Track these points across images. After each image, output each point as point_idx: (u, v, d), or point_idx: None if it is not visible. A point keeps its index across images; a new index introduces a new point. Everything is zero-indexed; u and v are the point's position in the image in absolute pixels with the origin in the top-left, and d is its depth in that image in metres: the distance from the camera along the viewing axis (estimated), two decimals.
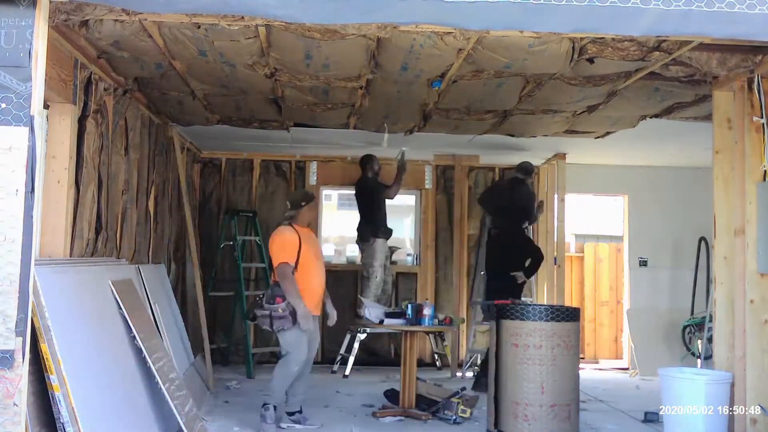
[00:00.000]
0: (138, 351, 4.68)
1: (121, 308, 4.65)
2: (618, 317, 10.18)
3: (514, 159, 8.34)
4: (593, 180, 9.49)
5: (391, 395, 6.34)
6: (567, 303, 8.98)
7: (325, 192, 9.82)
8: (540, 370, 4.99)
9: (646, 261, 9.43)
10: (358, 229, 8.20)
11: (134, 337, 4.67)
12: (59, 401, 3.55)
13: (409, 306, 6.08)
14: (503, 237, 7.68)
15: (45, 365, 3.57)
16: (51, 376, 3.57)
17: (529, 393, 4.99)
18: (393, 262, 8.77)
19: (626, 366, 9.45)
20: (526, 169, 7.85)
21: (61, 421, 3.56)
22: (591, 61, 4.64)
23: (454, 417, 5.82)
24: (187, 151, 8.17)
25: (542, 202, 8.32)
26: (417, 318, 6.02)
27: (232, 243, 8.31)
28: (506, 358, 5.14)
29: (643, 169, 9.39)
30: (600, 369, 9.56)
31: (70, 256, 4.58)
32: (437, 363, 8.68)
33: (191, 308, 8.11)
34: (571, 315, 5.20)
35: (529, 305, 5.48)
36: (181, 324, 6.91)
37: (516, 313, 5.13)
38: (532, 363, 5.00)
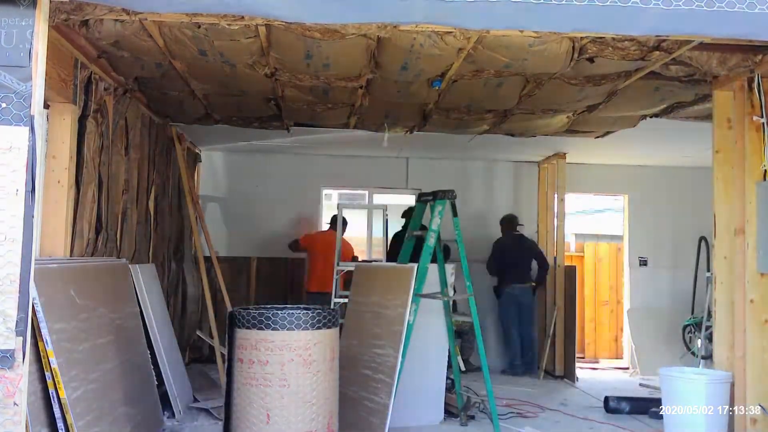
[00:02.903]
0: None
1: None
2: (618, 317, 10.18)
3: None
4: (593, 180, 9.50)
5: None
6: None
7: (325, 192, 9.84)
8: (265, 393, 3.94)
9: (646, 261, 9.44)
10: None
11: (129, 330, 4.66)
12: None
13: None
14: None
15: (45, 364, 3.58)
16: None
17: (252, 422, 3.95)
18: None
19: (626, 366, 9.45)
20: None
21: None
22: (591, 60, 4.64)
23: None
24: (187, 150, 8.17)
25: None
26: None
27: None
28: (235, 376, 4.15)
29: (643, 169, 9.40)
30: (600, 369, 9.56)
31: (71, 256, 4.58)
32: None
33: (191, 307, 8.10)
34: (314, 320, 4.05)
35: (253, 309, 4.22)
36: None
37: (242, 319, 4.08)
38: (256, 384, 3.96)
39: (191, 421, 5.65)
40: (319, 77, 5.20)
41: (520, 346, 8.57)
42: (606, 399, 6.55)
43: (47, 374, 3.61)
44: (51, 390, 3.60)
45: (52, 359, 3.61)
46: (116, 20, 4.08)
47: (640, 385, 8.05)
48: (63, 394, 3.62)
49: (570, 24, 3.26)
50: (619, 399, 6.51)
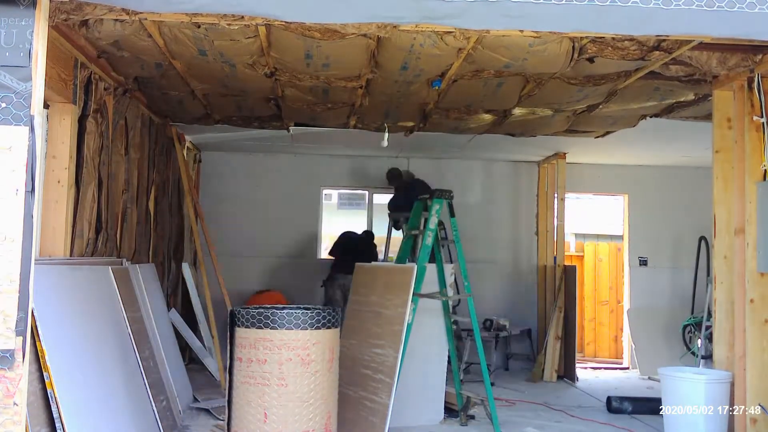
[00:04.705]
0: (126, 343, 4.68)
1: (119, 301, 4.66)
2: (618, 317, 10.18)
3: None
4: (593, 179, 9.50)
5: None
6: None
7: (325, 192, 9.84)
8: (263, 392, 3.93)
9: (646, 261, 9.44)
10: None
11: (129, 330, 4.67)
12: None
13: None
14: None
15: (44, 365, 3.57)
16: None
17: (250, 421, 3.93)
18: None
19: (626, 365, 9.45)
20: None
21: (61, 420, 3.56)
22: (591, 60, 4.64)
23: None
24: (187, 150, 8.17)
25: None
26: None
27: None
28: (235, 375, 4.12)
29: (643, 169, 9.40)
30: (600, 368, 9.54)
31: (71, 256, 4.58)
32: None
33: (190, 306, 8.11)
34: (314, 320, 4.02)
35: (253, 308, 4.16)
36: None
37: (242, 318, 4.07)
38: (254, 382, 3.96)
39: (191, 421, 5.65)
40: (319, 77, 5.20)
41: None
42: (608, 399, 6.55)
43: (45, 375, 3.60)
44: (49, 390, 3.60)
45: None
46: (116, 20, 4.08)
47: (640, 378, 8.07)
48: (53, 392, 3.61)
49: (570, 24, 3.26)
50: (622, 399, 6.51)
